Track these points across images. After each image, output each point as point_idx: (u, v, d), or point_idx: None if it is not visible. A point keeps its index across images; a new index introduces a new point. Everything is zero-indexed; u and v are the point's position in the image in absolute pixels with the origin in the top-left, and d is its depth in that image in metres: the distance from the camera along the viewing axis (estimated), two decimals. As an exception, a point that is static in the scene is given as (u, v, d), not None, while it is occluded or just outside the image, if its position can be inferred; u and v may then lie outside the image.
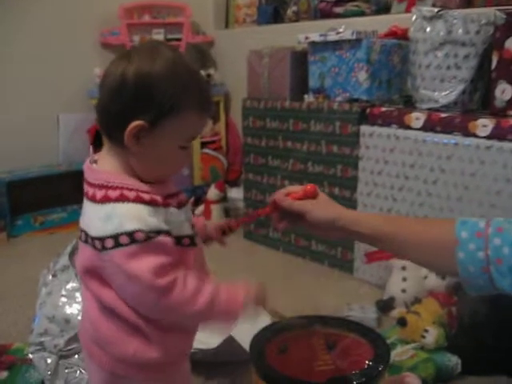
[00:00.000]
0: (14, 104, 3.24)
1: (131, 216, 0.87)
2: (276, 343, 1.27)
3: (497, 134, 1.81)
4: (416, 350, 1.60)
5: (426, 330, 1.59)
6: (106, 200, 0.89)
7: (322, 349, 1.26)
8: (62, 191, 3.28)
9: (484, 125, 1.85)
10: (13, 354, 1.68)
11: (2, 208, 3.01)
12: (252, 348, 1.24)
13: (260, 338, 1.28)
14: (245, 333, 1.38)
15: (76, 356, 1.52)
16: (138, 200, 0.89)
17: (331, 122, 2.31)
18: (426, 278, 1.91)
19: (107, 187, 0.90)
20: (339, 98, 2.35)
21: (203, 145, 3.52)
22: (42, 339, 1.57)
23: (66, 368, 1.54)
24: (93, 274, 0.94)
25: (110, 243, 0.86)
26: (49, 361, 1.55)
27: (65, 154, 3.46)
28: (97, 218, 0.89)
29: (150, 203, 0.90)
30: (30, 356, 1.60)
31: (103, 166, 0.94)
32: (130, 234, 0.85)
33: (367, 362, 1.17)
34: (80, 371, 1.51)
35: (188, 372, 1.12)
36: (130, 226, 0.86)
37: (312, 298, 2.11)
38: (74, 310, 1.55)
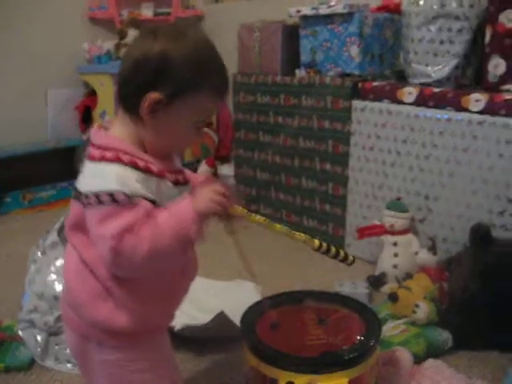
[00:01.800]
0: (1, 80, 3.19)
1: (117, 177, 0.90)
2: (267, 318, 1.27)
3: (489, 109, 1.80)
4: (407, 325, 1.60)
5: (417, 305, 1.59)
6: (100, 159, 0.92)
7: (314, 324, 1.26)
8: (50, 168, 3.24)
9: (477, 99, 1.83)
10: (3, 331, 1.67)
11: (-10, 185, 2.98)
12: (243, 323, 1.24)
13: (251, 314, 1.27)
14: (236, 308, 1.38)
15: (66, 333, 1.51)
16: (131, 164, 0.92)
17: (323, 97, 2.29)
18: (417, 253, 1.90)
19: (106, 148, 0.93)
20: (331, 73, 2.33)
21: (193, 121, 3.49)
22: (32, 316, 1.56)
23: (56, 345, 1.54)
24: (79, 229, 0.97)
25: (92, 199, 0.89)
26: (39, 338, 1.54)
27: (53, 130, 3.41)
28: (88, 174, 0.93)
29: (143, 170, 0.93)
30: (20, 333, 1.59)
31: (113, 133, 0.97)
32: (111, 194, 0.88)
33: (359, 336, 1.17)
34: (70, 348, 1.51)
35: (166, 346, 1.11)
36: (113, 186, 0.88)
37: (303, 274, 2.11)
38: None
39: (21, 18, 3.20)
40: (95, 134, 0.98)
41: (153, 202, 0.92)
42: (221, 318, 1.53)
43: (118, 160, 0.91)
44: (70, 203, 1.00)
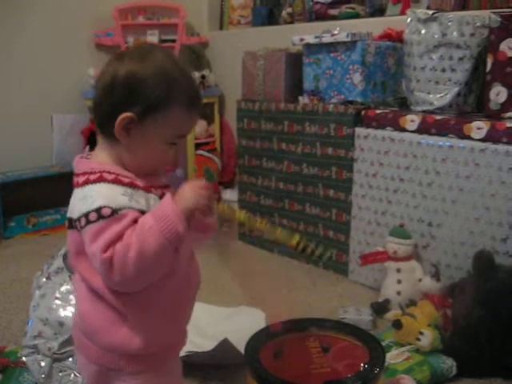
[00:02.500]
0: (7, 105, 3.22)
1: (102, 194, 0.90)
2: (271, 346, 1.27)
3: (491, 137, 1.82)
4: (411, 353, 1.60)
5: (421, 333, 1.59)
6: (86, 183, 0.92)
7: (318, 352, 1.26)
8: (55, 193, 3.24)
9: (479, 127, 1.85)
10: (6, 356, 1.67)
11: (-6, 209, 3.00)
12: (247, 351, 1.24)
13: (255, 341, 1.27)
14: (240, 336, 1.38)
15: (70, 359, 1.51)
16: (116, 181, 0.93)
17: (326, 124, 2.31)
18: (420, 280, 1.91)
19: (89, 173, 0.93)
20: (334, 100, 2.35)
21: (198, 146, 3.52)
22: (36, 342, 1.55)
23: (60, 371, 1.53)
24: (82, 256, 0.97)
25: (83, 222, 0.90)
26: (42, 364, 1.54)
27: (59, 155, 3.44)
28: (77, 200, 0.93)
29: (129, 185, 0.94)
30: (24, 359, 1.58)
31: (95, 159, 0.98)
32: (98, 210, 0.89)
33: (363, 364, 1.17)
34: (74, 374, 1.50)
35: (178, 371, 1.11)
36: (98, 203, 0.89)
37: (307, 300, 2.11)
38: (67, 312, 1.54)
39: (27, 43, 3.25)
40: (77, 163, 0.99)
41: (142, 212, 0.92)
42: (225, 345, 1.52)
43: (102, 180, 0.92)
44: (67, 234, 0.99)
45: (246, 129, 2.72)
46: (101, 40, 3.50)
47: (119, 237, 0.89)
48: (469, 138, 1.87)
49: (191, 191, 0.95)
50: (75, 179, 0.96)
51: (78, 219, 0.91)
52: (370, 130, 2.16)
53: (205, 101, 3.47)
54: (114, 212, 0.89)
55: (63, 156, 3.43)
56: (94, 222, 0.89)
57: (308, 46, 2.43)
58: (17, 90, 3.25)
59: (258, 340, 1.28)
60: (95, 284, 0.97)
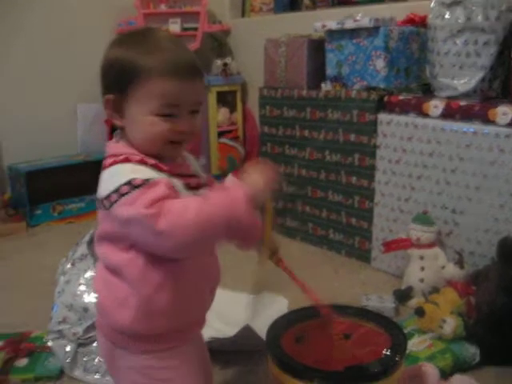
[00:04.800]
0: (32, 95, 3.27)
1: (130, 170, 0.93)
2: (292, 332, 1.27)
3: (517, 122, 1.79)
4: (433, 340, 1.59)
5: (444, 320, 1.58)
6: (112, 163, 0.95)
7: (339, 338, 1.26)
8: (80, 181, 3.29)
9: (504, 113, 1.82)
10: (32, 341, 1.71)
11: (21, 198, 3.05)
12: (268, 336, 1.24)
13: (276, 327, 1.27)
14: (263, 322, 1.38)
15: (94, 344, 1.54)
16: (142, 162, 0.95)
17: (348, 111, 2.30)
18: (443, 267, 1.89)
19: (116, 155, 0.96)
20: (357, 86, 2.34)
21: (220, 134, 3.53)
22: (61, 327, 1.59)
23: (85, 356, 1.56)
24: (106, 240, 1.00)
25: (114, 197, 0.91)
26: (67, 349, 1.57)
27: (83, 144, 3.48)
28: (104, 180, 0.95)
29: (154, 166, 0.95)
30: (49, 344, 1.62)
31: (116, 146, 1.01)
32: (129, 183, 0.90)
33: (384, 351, 1.17)
34: (98, 359, 1.53)
35: (195, 358, 1.11)
36: (128, 177, 0.91)
37: (329, 287, 2.11)
38: (92, 298, 1.57)
39: (50, 35, 3.28)
40: (108, 146, 1.02)
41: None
42: (246, 331, 1.53)
43: (128, 160, 0.94)
44: (97, 216, 1.02)
45: (269, 116, 2.71)
46: (123, 29, 3.51)
47: (161, 196, 0.89)
48: (493, 123, 1.84)
49: (259, 174, 0.98)
50: (103, 162, 0.98)
51: (108, 197, 0.92)
52: (392, 116, 2.14)
53: (227, 89, 3.47)
54: (146, 181, 0.90)
55: (87, 145, 3.47)
56: (127, 193, 0.89)
57: (330, 32, 2.41)
58: (42, 80, 3.30)
59: (280, 326, 1.28)
60: (114, 262, 0.98)
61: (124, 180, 0.90)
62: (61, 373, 1.58)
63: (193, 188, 1.00)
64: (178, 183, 0.97)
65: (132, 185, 0.89)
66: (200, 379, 1.11)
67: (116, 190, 0.90)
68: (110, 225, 0.96)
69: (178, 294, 1.00)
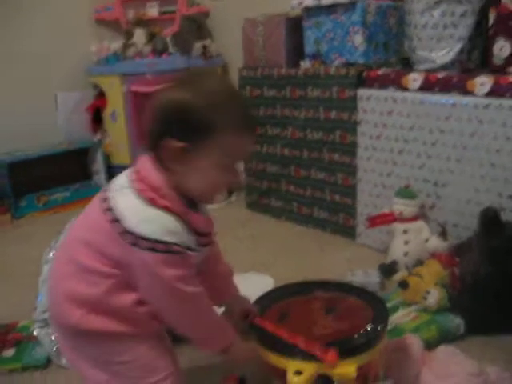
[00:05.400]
0: (11, 85, 3.22)
1: (173, 229, 0.95)
2: (276, 309, 1.28)
3: (495, 92, 1.78)
4: (418, 312, 1.60)
5: (428, 292, 1.59)
6: (154, 203, 0.96)
7: (321, 313, 1.27)
8: (63, 170, 3.28)
9: (482, 83, 1.81)
10: (19, 331, 1.71)
11: (4, 189, 3.01)
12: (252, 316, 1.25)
13: (259, 305, 1.28)
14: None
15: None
16: (180, 216, 0.97)
17: (328, 88, 2.28)
18: (427, 240, 1.90)
19: (158, 192, 0.97)
20: (336, 63, 2.32)
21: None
22: (46, 316, 1.58)
23: (71, 343, 1.55)
24: (93, 247, 1.00)
25: (144, 244, 0.94)
26: (53, 337, 1.56)
27: (65, 133, 3.44)
28: (139, 215, 0.96)
29: (185, 222, 0.99)
30: (35, 333, 1.61)
31: (151, 177, 1.00)
32: (168, 245, 0.95)
33: (366, 324, 1.17)
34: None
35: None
36: (169, 238, 0.94)
37: (315, 265, 2.11)
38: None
39: (26, 23, 3.24)
40: (144, 164, 1.02)
41: (190, 248, 1.00)
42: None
43: (168, 210, 0.96)
44: (89, 217, 1.05)
45: (249, 97, 2.69)
46: (101, 15, 3.49)
47: (186, 276, 0.98)
48: (472, 94, 1.84)
49: (245, 356, 1.14)
50: (136, 178, 0.99)
51: (136, 237, 0.94)
52: (372, 91, 2.13)
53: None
54: (181, 251, 0.97)
55: (69, 133, 3.43)
56: (161, 252, 0.94)
57: (307, 9, 2.39)
58: (20, 69, 3.25)
59: (263, 304, 1.29)
60: (91, 266, 1.01)
61: (163, 239, 0.94)
62: (48, 361, 1.57)
63: (203, 245, 1.06)
64: (193, 241, 1.01)
65: (169, 248, 0.95)
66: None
67: (151, 241, 0.94)
68: (116, 249, 0.98)
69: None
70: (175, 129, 0.96)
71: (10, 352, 1.62)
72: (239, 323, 1.23)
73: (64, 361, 1.55)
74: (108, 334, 1.02)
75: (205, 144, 0.96)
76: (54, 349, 1.55)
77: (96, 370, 1.06)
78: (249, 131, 1.02)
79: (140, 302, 1.02)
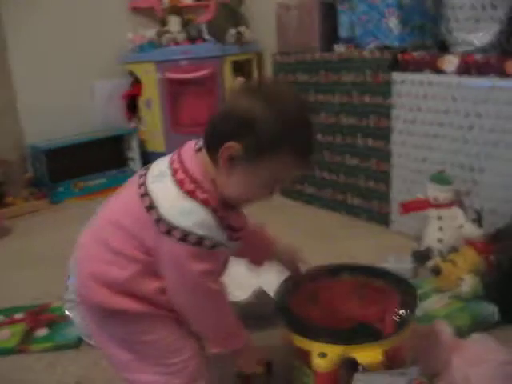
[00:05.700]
0: (48, 74, 3.28)
1: (207, 223, 0.97)
2: (302, 293, 1.27)
3: (535, 74, 1.72)
4: (451, 299, 1.57)
5: (462, 279, 1.55)
6: (192, 196, 0.97)
7: (350, 296, 1.25)
8: (100, 157, 3.33)
9: (521, 64, 1.76)
10: (52, 312, 1.74)
11: (42, 176, 3.08)
12: (277, 297, 1.24)
13: (285, 287, 1.27)
14: (275, 284, 1.38)
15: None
16: (216, 212, 0.98)
17: (362, 72, 2.25)
18: (461, 226, 1.86)
19: (199, 184, 0.98)
20: (370, 47, 2.28)
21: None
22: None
23: (101, 323, 1.57)
24: (126, 230, 1.02)
25: (177, 234, 0.95)
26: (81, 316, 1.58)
27: (101, 120, 3.49)
28: (175, 205, 0.97)
29: (220, 219, 0.99)
30: (67, 313, 1.64)
31: (200, 164, 1.02)
32: (200, 238, 0.96)
33: (394, 308, 1.15)
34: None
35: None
36: (202, 232, 0.96)
37: (349, 252, 2.08)
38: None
39: (64, 12, 3.28)
40: (187, 152, 1.04)
41: (224, 245, 1.02)
42: (259, 293, 1.53)
43: (207, 204, 0.97)
44: (126, 200, 1.05)
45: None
46: (136, 3, 3.50)
47: (212, 272, 1.00)
48: (511, 76, 1.78)
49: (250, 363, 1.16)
50: (180, 169, 1.00)
51: (170, 226, 0.96)
52: (407, 75, 2.08)
53: (242, 58, 3.43)
54: (212, 246, 0.98)
55: (106, 121, 3.47)
56: (192, 244, 0.96)
57: (341, -9, 2.35)
58: (58, 60, 3.31)
59: (289, 286, 1.27)
60: (120, 249, 1.02)
61: (196, 231, 0.96)
62: (79, 341, 1.60)
63: (234, 240, 1.07)
64: (225, 237, 1.02)
65: (200, 242, 0.96)
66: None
67: (184, 232, 0.95)
68: (148, 236, 0.99)
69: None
70: (243, 136, 0.96)
71: (43, 332, 1.66)
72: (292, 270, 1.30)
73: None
74: (132, 313, 1.02)
75: (263, 157, 0.96)
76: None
77: (120, 349, 1.06)
78: (308, 157, 1.02)
79: (163, 291, 1.02)
